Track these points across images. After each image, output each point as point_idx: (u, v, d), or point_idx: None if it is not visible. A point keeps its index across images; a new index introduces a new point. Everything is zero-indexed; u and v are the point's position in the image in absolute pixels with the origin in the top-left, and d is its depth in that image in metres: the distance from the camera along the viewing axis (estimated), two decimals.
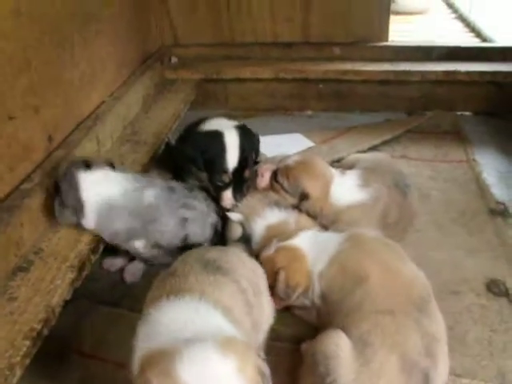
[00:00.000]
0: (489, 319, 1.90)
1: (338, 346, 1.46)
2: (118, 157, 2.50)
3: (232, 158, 2.20)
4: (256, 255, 1.93)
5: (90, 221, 1.96)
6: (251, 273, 1.66)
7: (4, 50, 1.89)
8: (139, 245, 2.05)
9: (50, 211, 2.03)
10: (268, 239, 1.99)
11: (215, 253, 1.63)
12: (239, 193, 2.23)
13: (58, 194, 1.95)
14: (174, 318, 1.27)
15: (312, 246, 1.87)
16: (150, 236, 2.04)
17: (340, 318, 1.62)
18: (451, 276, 2.11)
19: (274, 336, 1.78)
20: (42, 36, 2.14)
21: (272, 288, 1.78)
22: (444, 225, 2.42)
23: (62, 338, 1.90)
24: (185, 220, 2.07)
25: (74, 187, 1.92)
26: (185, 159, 2.31)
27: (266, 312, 1.68)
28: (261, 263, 1.82)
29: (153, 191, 2.04)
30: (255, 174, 2.26)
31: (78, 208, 1.93)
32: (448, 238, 2.33)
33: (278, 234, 1.99)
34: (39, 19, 2.12)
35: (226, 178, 2.21)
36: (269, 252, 1.88)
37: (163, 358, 1.09)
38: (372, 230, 2.06)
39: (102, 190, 1.95)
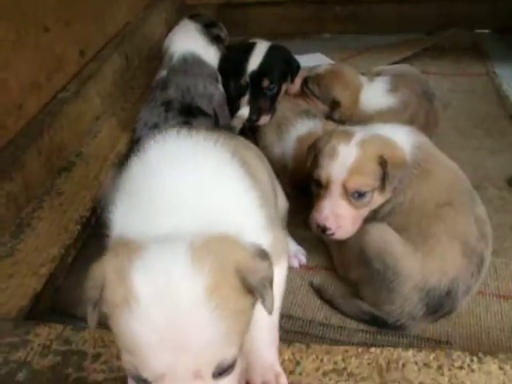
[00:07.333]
0: (509, 208, 2.00)
1: (389, 241, 1.50)
2: (148, 73, 2.56)
3: (253, 62, 2.17)
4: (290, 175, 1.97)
5: None
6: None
7: None
8: None
9: (88, 118, 2.14)
10: (300, 151, 1.95)
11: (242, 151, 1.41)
12: (255, 102, 2.15)
13: None
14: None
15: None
16: None
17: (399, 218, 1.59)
18: (473, 173, 2.13)
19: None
20: None
21: None
22: (465, 129, 2.48)
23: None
24: None
25: None
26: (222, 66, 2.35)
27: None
28: None
29: None
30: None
31: None
32: (469, 140, 2.40)
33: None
34: None
35: (243, 81, 2.18)
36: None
37: (125, 253, 0.87)
38: None
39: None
